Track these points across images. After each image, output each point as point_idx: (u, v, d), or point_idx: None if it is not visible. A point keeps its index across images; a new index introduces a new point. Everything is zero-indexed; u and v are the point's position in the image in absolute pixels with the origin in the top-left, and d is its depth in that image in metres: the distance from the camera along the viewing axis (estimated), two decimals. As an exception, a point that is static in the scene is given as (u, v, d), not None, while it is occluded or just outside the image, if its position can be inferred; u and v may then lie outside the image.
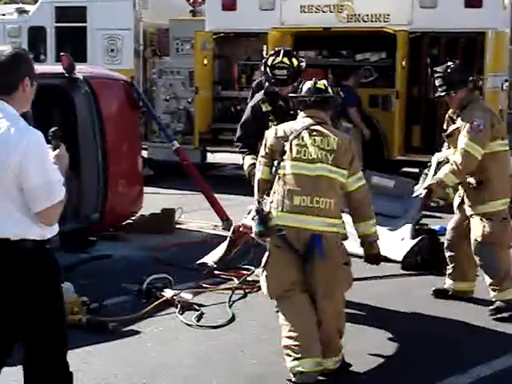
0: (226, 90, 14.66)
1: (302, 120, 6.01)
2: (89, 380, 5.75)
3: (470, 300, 7.44)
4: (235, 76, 14.57)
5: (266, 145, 6.03)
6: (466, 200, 7.21)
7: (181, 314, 6.99)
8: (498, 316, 6.97)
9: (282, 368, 5.76)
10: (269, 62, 7.10)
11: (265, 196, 5.96)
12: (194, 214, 11.04)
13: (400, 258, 6.98)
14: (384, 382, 5.84)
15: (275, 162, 5.87)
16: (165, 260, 8.77)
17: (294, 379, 5.61)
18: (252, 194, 6.17)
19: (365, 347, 6.28)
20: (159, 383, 5.76)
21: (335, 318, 5.78)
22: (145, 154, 14.11)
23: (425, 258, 8.60)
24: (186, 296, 7.38)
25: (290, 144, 5.80)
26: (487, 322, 6.93)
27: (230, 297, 7.47)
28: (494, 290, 7.12)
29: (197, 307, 7.17)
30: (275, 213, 5.72)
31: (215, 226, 10.35)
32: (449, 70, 7.27)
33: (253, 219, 5.94)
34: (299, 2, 13.57)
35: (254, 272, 8.25)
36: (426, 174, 7.98)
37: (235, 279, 7.98)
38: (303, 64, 7.26)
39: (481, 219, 7.09)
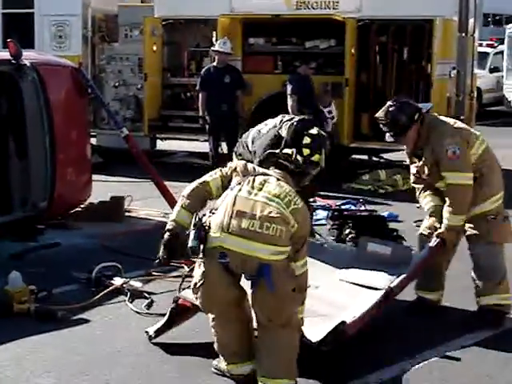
0: (175, 77, 14.61)
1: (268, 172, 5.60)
2: (38, 369, 5.72)
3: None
4: (185, 63, 14.52)
5: (233, 167, 5.69)
6: None
7: (130, 302, 6.97)
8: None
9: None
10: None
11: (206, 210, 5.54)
12: (143, 201, 11.00)
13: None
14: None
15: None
16: (114, 248, 8.73)
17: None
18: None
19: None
20: (109, 371, 5.73)
21: (289, 347, 5.40)
22: (94, 141, 14.01)
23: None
24: (136, 284, 7.36)
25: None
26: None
27: (181, 284, 7.44)
28: (482, 295, 6.81)
29: (147, 295, 7.16)
30: (218, 233, 5.29)
31: (165, 214, 10.31)
32: (389, 116, 6.70)
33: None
34: (249, -12, 13.55)
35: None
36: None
37: (185, 267, 7.97)
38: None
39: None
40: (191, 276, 7.62)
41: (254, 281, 5.31)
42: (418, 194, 7.05)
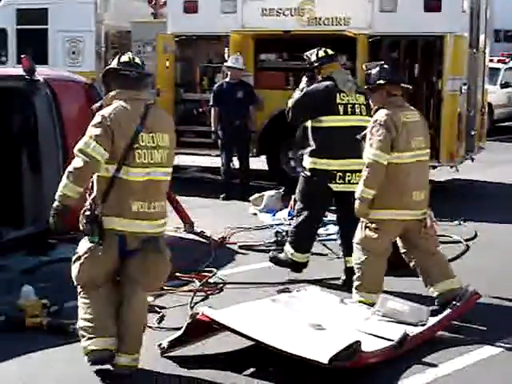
0: (187, 93, 14.68)
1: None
2: (49, 382, 5.75)
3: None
4: (197, 78, 14.60)
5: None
6: None
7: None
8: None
9: (244, 368, 5.82)
10: None
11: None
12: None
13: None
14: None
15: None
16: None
17: (86, 358, 5.72)
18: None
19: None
20: (120, 385, 5.77)
21: (144, 312, 5.96)
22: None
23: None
24: (147, 298, 7.38)
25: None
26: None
27: (192, 299, 7.49)
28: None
29: (158, 309, 7.18)
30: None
31: (177, 228, 10.36)
32: (367, 69, 7.47)
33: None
34: (260, 5, 13.63)
35: (215, 274, 8.29)
36: None
37: (196, 281, 8.01)
38: None
39: None
40: (202, 290, 7.74)
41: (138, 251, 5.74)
42: None
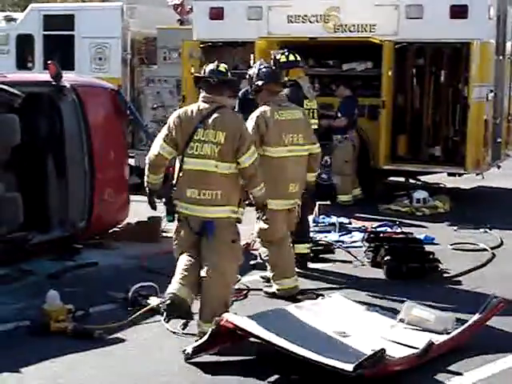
0: (213, 99, 14.68)
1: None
2: (74, 387, 5.77)
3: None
4: (222, 85, 14.59)
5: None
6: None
7: (166, 322, 7.00)
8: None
9: (267, 375, 5.82)
10: None
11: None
12: (180, 222, 11.06)
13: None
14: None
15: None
16: (151, 268, 8.80)
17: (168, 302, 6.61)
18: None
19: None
20: (144, 391, 5.78)
21: (222, 289, 6.59)
22: (132, 162, 14.13)
23: (410, 266, 8.68)
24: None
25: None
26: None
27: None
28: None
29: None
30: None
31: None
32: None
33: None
34: (286, 12, 13.64)
35: (240, 280, 8.29)
36: None
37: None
38: None
39: None
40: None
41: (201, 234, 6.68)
42: None
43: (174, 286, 6.65)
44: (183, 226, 6.77)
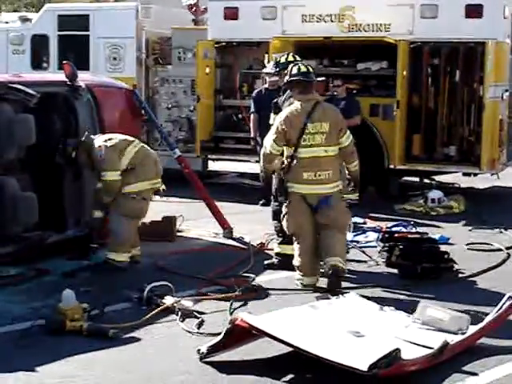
0: (227, 99, 14.72)
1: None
2: (89, 386, 5.79)
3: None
4: (237, 85, 14.62)
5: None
6: None
7: (181, 322, 7.02)
8: None
9: (282, 375, 5.82)
10: None
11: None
12: (194, 221, 11.09)
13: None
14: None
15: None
16: (165, 267, 8.82)
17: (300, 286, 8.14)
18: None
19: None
20: (159, 390, 5.79)
21: (342, 244, 8.22)
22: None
23: (425, 266, 8.67)
24: (187, 303, 7.40)
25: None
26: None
27: (231, 304, 7.50)
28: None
29: (197, 315, 7.19)
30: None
31: (216, 233, 10.40)
32: None
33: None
34: (301, 11, 13.65)
35: (254, 279, 8.30)
36: None
37: (236, 287, 8.02)
38: None
39: None
40: (241, 296, 7.75)
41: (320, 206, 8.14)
42: None
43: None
44: (300, 202, 8.12)
